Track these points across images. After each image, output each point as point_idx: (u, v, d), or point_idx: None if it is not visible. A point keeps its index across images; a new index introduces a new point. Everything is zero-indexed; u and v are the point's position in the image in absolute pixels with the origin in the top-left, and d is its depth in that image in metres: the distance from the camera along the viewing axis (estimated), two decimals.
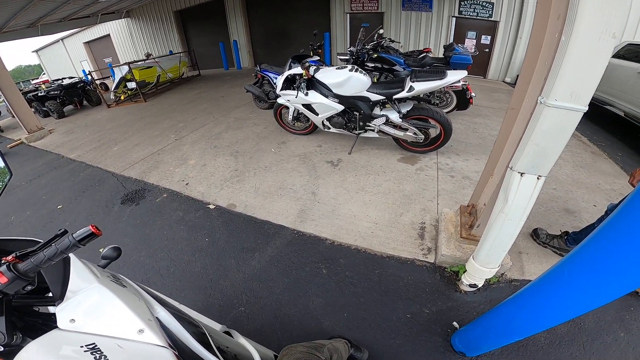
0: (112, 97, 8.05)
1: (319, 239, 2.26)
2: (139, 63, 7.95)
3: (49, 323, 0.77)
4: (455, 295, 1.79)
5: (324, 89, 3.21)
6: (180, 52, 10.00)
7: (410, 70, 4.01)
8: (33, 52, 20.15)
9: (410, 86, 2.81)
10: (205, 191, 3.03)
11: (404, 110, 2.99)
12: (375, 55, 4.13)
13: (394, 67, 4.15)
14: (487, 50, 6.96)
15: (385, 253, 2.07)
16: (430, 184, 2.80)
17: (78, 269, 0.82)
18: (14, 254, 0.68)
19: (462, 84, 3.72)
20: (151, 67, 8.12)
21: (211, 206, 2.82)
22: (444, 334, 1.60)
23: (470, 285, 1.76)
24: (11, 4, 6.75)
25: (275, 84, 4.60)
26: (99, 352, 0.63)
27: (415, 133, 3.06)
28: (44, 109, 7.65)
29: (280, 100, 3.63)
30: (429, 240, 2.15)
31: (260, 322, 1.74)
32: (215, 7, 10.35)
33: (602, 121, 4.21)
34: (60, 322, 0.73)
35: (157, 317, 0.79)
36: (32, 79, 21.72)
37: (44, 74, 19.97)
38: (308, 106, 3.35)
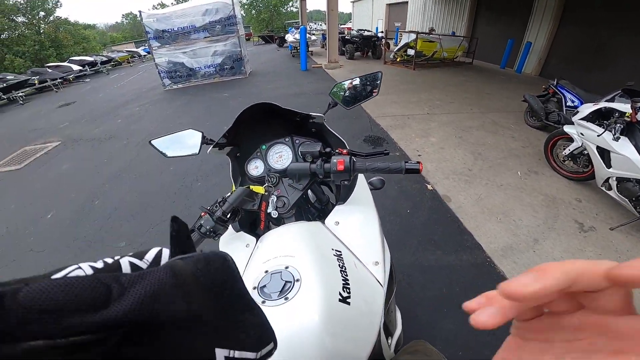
0: (391, 56, 9.31)
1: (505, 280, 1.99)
2: (423, 35, 8.54)
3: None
4: None
5: None
6: (463, 37, 9.86)
7: None
8: (351, 2, 25.39)
9: None
10: (432, 171, 3.15)
11: None
12: None
13: None
14: None
15: None
16: None
17: (362, 186, 0.96)
18: (347, 149, 0.84)
19: None
20: (433, 42, 8.57)
21: (429, 187, 2.93)
22: None
23: None
24: None
25: (571, 107, 3.80)
26: (341, 261, 0.67)
27: None
28: (342, 49, 9.93)
29: (567, 129, 3.03)
30: None
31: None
32: (522, 2, 9.08)
33: None
34: (329, 218, 0.84)
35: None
36: (340, 24, 27.90)
37: (350, 22, 25.30)
38: (603, 151, 2.65)
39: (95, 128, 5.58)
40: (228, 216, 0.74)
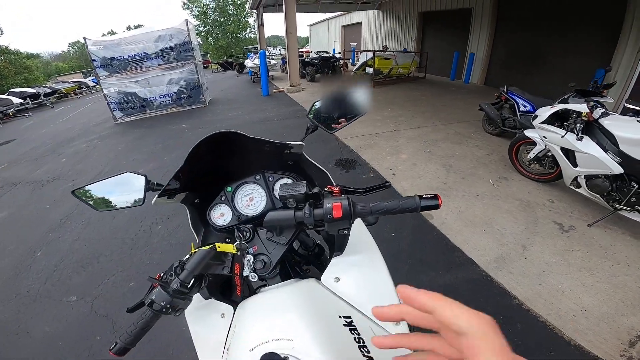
0: (351, 75, 9.58)
1: (506, 293, 1.96)
2: (379, 53, 8.97)
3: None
4: None
5: (605, 141, 2.52)
6: (414, 52, 10.52)
7: None
8: (307, 25, 26.50)
9: None
10: (409, 189, 3.10)
11: None
12: None
13: None
14: None
15: (575, 341, 1.65)
16: None
17: (359, 227, 0.79)
18: (340, 186, 0.69)
19: None
20: (389, 59, 9.01)
21: None
22: None
23: None
24: None
25: (524, 112, 4.02)
26: (355, 332, 0.52)
27: None
28: (303, 71, 10.09)
29: (529, 133, 3.14)
30: (637, 351, 1.60)
31: None
32: (461, 16, 9.98)
33: None
34: (326, 274, 0.68)
35: None
36: (298, 48, 29.13)
37: (308, 45, 26.24)
38: (567, 152, 2.75)
39: (36, 169, 4.96)
40: (190, 285, 0.54)
